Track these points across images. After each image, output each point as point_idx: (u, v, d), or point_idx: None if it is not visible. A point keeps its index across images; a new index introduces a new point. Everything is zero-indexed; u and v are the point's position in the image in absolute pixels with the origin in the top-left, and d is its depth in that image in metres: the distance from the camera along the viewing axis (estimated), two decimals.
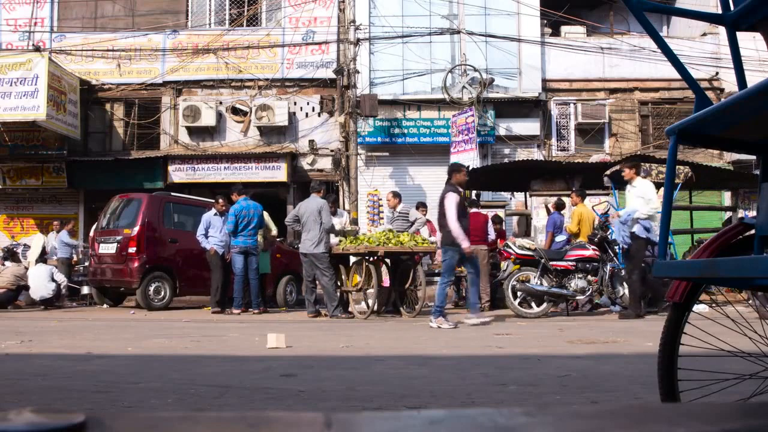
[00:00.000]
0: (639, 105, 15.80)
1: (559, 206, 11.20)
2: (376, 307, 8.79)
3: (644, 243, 8.06)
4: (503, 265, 9.70)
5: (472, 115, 13.85)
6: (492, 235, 10.37)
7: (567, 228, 10.37)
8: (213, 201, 10.42)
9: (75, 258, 13.04)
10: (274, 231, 10.99)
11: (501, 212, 13.00)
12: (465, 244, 7.08)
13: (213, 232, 9.81)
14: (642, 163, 9.00)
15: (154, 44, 15.65)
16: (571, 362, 4.17)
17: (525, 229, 13.18)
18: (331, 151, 15.33)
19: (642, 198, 8.03)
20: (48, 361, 4.33)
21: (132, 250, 10.32)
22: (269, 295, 10.81)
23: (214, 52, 15.54)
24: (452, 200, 7.18)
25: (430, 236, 10.66)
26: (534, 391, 3.10)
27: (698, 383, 1.79)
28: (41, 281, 11.05)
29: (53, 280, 11.18)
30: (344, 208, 13.94)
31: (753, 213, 9.17)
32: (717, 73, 15.00)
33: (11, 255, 11.68)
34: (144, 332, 6.58)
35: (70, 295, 12.34)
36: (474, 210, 10.07)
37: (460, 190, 7.44)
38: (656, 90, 15.62)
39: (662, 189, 9.93)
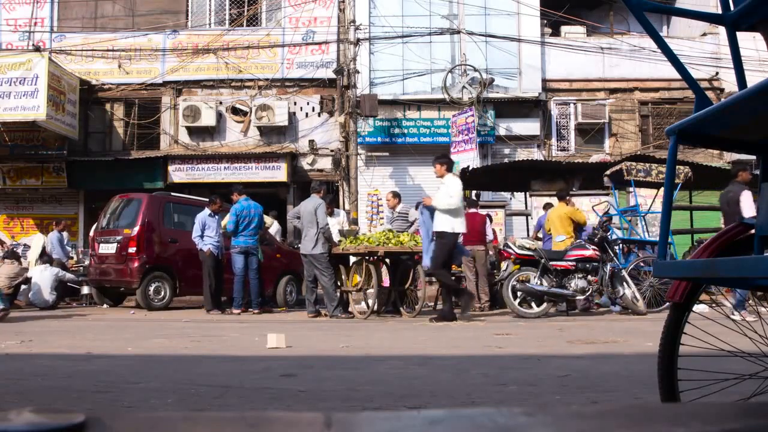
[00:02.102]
0: (639, 105, 15.80)
1: (548, 206, 11.21)
2: (376, 307, 8.79)
3: (453, 239, 7.77)
4: (503, 265, 9.70)
5: (472, 115, 13.85)
6: (490, 236, 10.37)
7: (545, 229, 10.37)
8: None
9: (74, 259, 13.01)
10: (270, 224, 10.99)
11: (500, 212, 12.99)
12: None
13: (208, 232, 9.78)
14: (453, 160, 8.46)
15: (154, 44, 15.65)
16: (571, 362, 4.17)
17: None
18: (331, 151, 15.33)
19: (446, 195, 7.78)
20: (48, 361, 4.33)
21: (132, 250, 10.31)
22: (269, 295, 10.80)
23: (214, 52, 15.54)
24: (750, 197, 7.41)
25: None
26: (534, 391, 3.10)
27: (698, 383, 1.79)
28: (44, 285, 10.97)
29: (56, 288, 11.11)
30: (344, 208, 13.94)
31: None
32: (717, 73, 15.00)
33: (11, 255, 11.65)
34: (144, 332, 6.58)
35: (70, 295, 12.30)
36: (472, 210, 10.07)
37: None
38: (656, 90, 15.62)
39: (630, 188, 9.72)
